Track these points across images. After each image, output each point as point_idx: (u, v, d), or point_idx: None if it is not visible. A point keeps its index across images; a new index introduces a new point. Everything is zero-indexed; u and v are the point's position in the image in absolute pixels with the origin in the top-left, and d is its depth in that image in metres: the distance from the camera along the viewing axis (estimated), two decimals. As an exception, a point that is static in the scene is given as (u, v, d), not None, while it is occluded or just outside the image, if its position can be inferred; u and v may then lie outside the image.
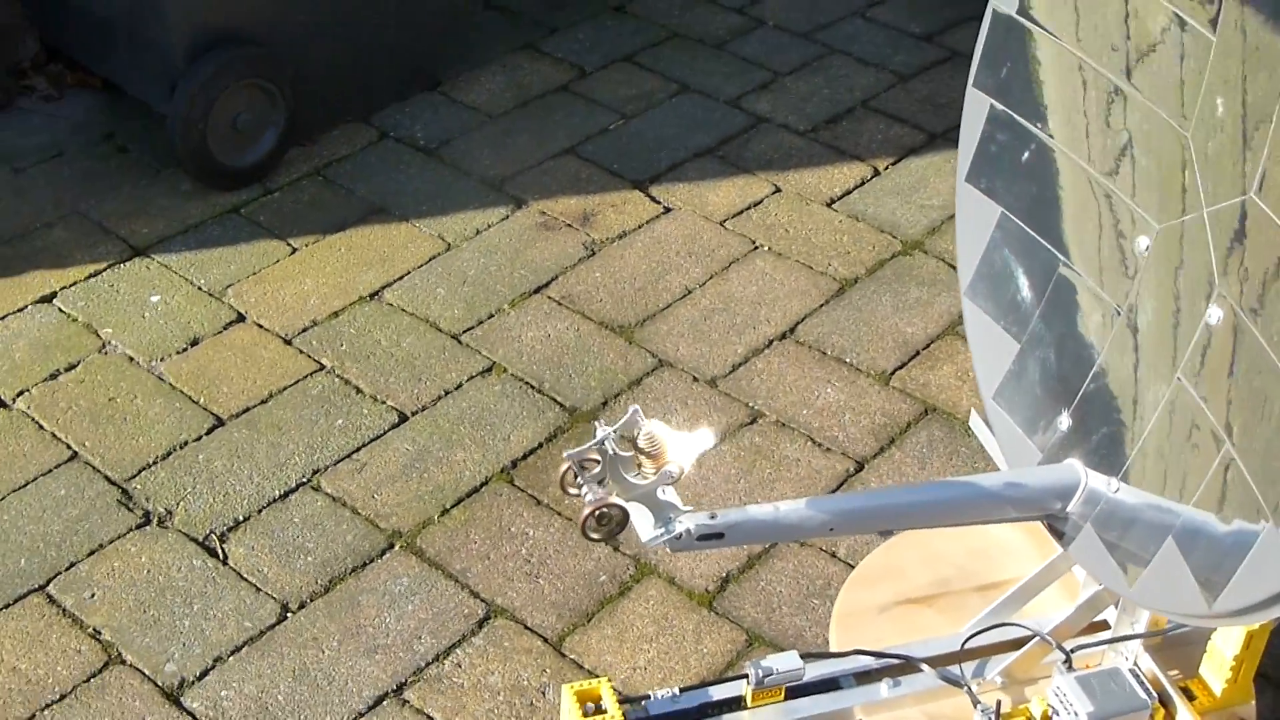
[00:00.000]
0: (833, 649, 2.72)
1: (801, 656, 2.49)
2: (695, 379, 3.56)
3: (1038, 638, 2.53)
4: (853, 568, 3.00)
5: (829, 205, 4.19)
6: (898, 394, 3.54)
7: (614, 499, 2.19)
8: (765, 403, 3.50)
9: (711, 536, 2.32)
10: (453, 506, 3.20)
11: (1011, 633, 2.58)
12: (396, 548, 3.11)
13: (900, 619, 2.83)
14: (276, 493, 3.23)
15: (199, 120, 3.94)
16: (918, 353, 3.67)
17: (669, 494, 2.29)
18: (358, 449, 3.34)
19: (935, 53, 4.96)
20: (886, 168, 4.36)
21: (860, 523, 2.45)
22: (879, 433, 3.43)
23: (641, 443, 2.21)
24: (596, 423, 2.19)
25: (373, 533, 3.13)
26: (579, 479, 2.23)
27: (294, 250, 3.95)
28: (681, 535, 2.25)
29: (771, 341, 3.69)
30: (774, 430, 3.42)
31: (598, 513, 2.19)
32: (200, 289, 3.80)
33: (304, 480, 3.26)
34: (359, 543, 3.11)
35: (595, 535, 2.23)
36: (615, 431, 2.21)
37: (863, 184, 4.29)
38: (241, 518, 3.16)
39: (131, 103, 4.36)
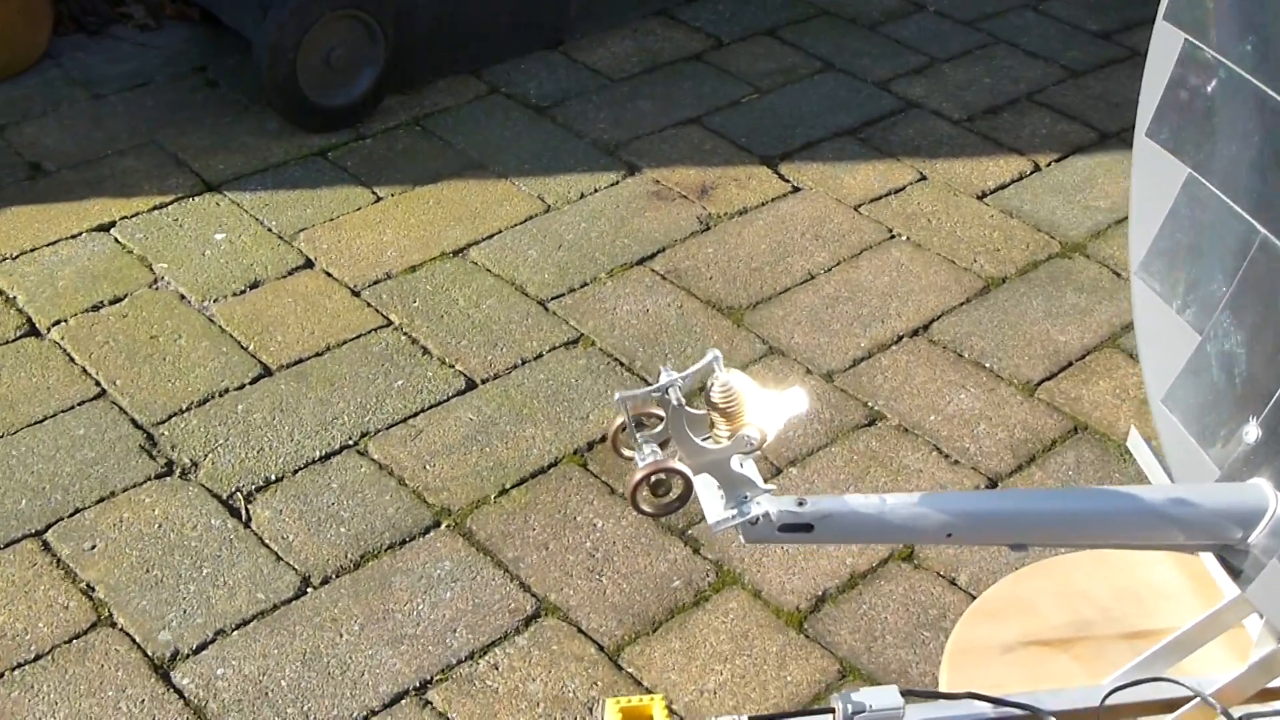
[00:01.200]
0: (942, 689, 2.24)
1: (902, 694, 2.00)
2: (809, 370, 3.10)
3: (1198, 699, 2.02)
4: (974, 598, 2.52)
5: (980, 198, 3.70)
6: (1043, 407, 3.04)
7: (675, 463, 1.74)
8: (887, 404, 3.02)
9: (797, 528, 1.86)
10: (514, 487, 2.78)
11: (1165, 690, 2.07)
12: (443, 526, 2.69)
13: (1027, 662, 2.33)
14: (317, 453, 2.83)
15: (289, 51, 3.59)
16: (1070, 364, 3.17)
17: (747, 467, 1.84)
18: (415, 414, 2.94)
19: (1114, 51, 4.45)
20: (1049, 164, 3.87)
21: (988, 529, 1.96)
22: (1018, 448, 2.93)
23: (716, 397, 1.76)
24: (663, 367, 1.75)
25: (418, 507, 2.72)
26: (635, 436, 1.79)
27: (378, 199, 3.57)
28: (758, 520, 1.80)
29: (901, 337, 3.22)
30: (895, 435, 2.95)
31: (653, 478, 1.74)
32: (270, 230, 3.44)
33: (350, 443, 2.86)
34: (401, 517, 2.69)
35: (647, 508, 1.78)
36: (684, 379, 1.76)
37: (1020, 179, 3.80)
38: (274, 477, 2.77)
39: (229, 38, 4.03)
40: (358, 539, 2.65)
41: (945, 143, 3.93)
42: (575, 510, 2.73)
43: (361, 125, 3.82)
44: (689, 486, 1.76)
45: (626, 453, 1.86)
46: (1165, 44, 2.21)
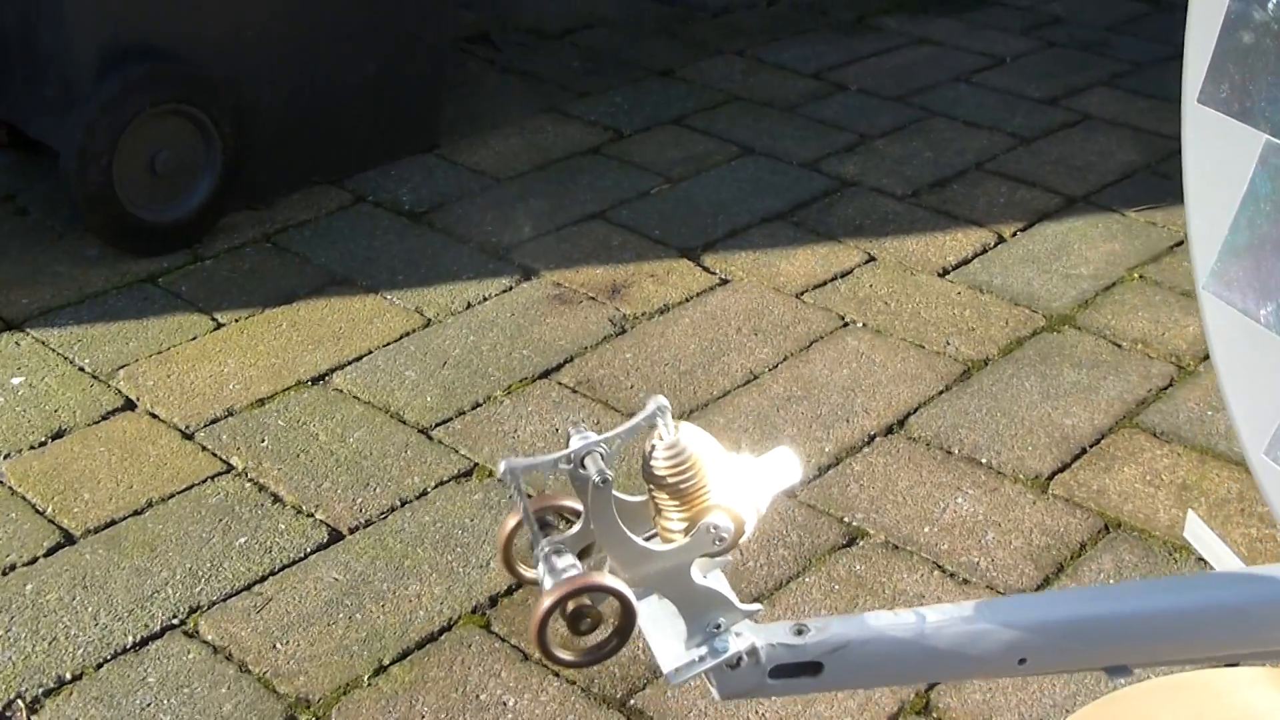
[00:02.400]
0: None
1: None
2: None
3: None
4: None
5: (941, 275, 3.12)
6: (1061, 504, 2.41)
7: (604, 578, 1.09)
8: (868, 517, 2.39)
9: (799, 670, 1.21)
10: (394, 662, 2.09)
11: None
12: (300, 722, 1.99)
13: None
14: (130, 639, 2.13)
15: (102, 155, 2.96)
16: (1084, 451, 2.56)
17: (716, 579, 1.19)
18: (262, 578, 2.25)
19: (1064, 115, 3.95)
20: (1014, 234, 3.30)
21: (1081, 644, 1.31)
22: (1039, 556, 2.30)
23: (662, 467, 1.12)
24: (573, 427, 1.10)
25: (266, 699, 2.02)
26: (540, 541, 1.14)
27: (218, 326, 2.91)
28: (740, 662, 1.16)
29: (873, 437, 2.59)
30: (883, 554, 2.30)
31: (570, 604, 1.09)
32: (82, 369, 2.76)
33: (175, 621, 2.17)
34: (243, 714, 1.99)
35: (565, 654, 1.12)
36: (609, 441, 1.12)
37: (984, 251, 3.23)
38: (69, 675, 2.06)
39: (44, 163, 3.40)
40: (182, 750, 1.94)
41: (891, 220, 3.36)
42: (477, 686, 2.05)
43: (199, 245, 3.18)
44: (628, 615, 1.11)
45: (527, 571, 1.20)
46: (1215, -24, 1.64)
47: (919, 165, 3.64)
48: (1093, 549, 2.33)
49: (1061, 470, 2.51)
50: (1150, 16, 4.72)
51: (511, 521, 1.17)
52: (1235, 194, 1.67)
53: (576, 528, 1.15)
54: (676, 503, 1.12)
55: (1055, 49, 4.46)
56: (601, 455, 1.09)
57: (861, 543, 2.34)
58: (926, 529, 2.37)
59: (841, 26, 4.59)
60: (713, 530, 1.12)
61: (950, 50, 4.42)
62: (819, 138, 3.79)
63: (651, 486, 1.13)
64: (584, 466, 1.09)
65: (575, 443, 1.09)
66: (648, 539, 1.15)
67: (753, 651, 1.18)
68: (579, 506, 1.14)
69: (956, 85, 4.15)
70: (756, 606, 1.18)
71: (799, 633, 1.22)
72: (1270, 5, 1.61)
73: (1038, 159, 3.69)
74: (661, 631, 1.19)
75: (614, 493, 1.13)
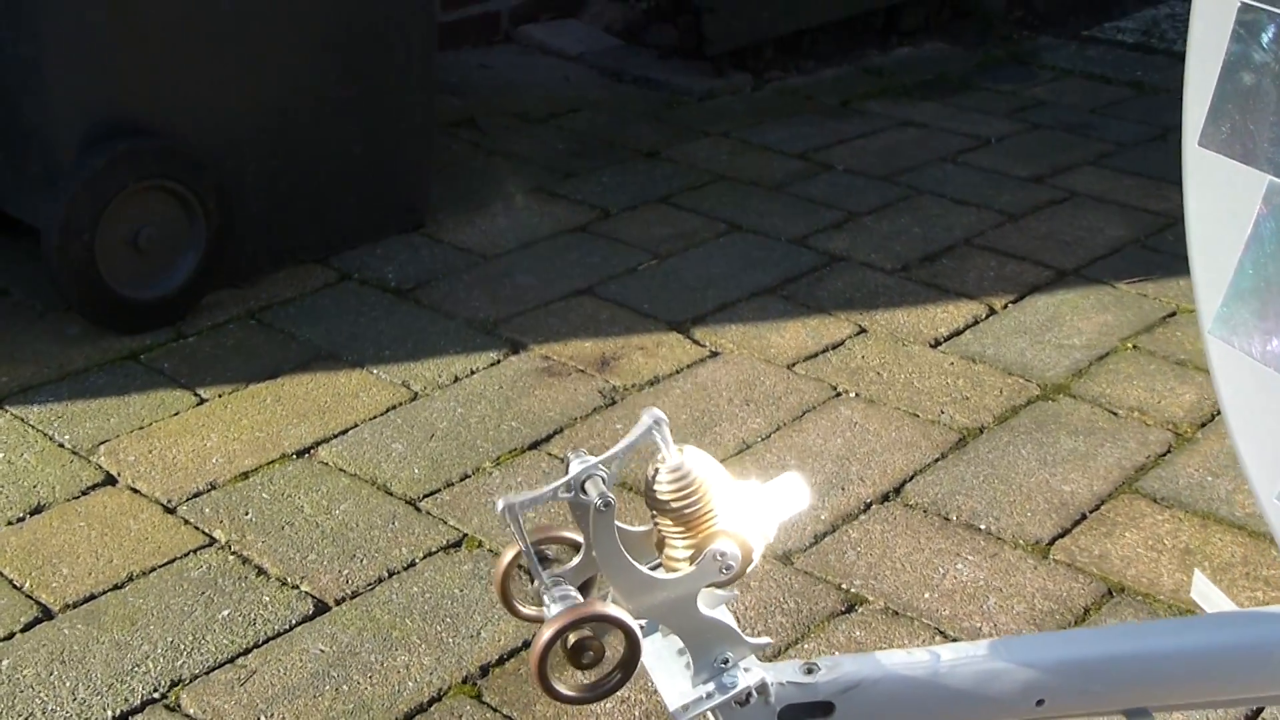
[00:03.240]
0: None
1: None
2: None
3: None
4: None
5: (934, 346, 3.10)
6: (1064, 570, 2.37)
7: (608, 607, 1.04)
8: (867, 584, 2.33)
9: (810, 710, 1.16)
10: (382, 733, 2.02)
11: None
12: (285, 797, 1.92)
13: None
14: (109, 714, 2.06)
15: (84, 231, 2.93)
16: (1084, 517, 2.52)
17: (722, 612, 1.14)
18: (246, 650, 2.18)
19: (1050, 193, 3.95)
20: (1005, 306, 3.28)
21: (1101, 685, 1.26)
22: (1043, 621, 2.25)
23: (665, 491, 1.08)
24: (572, 451, 1.06)
25: (249, 773, 1.95)
26: (540, 574, 1.10)
27: (201, 401, 2.86)
28: (749, 699, 1.10)
29: (869, 504, 2.54)
30: (883, 621, 2.25)
31: (571, 637, 1.04)
32: (62, 445, 2.71)
33: (155, 695, 2.10)
34: (225, 789, 1.92)
35: (565, 689, 1.07)
36: (608, 464, 1.08)
37: (976, 323, 3.20)
38: (45, 751, 1.99)
39: (26, 244, 3.36)
40: (161, 825, 1.87)
41: (882, 293, 3.34)
42: (468, 756, 1.98)
43: (182, 322, 3.14)
44: (632, 647, 1.06)
45: (527, 609, 1.15)
46: (1211, 15, 1.64)
47: (908, 240, 3.63)
48: (1097, 613, 2.28)
49: (1062, 536, 2.47)
50: (1133, 100, 4.75)
51: (509, 555, 1.12)
52: (1239, 237, 1.65)
53: (577, 560, 1.11)
54: (681, 529, 1.08)
55: (1040, 130, 4.48)
56: (603, 479, 1.05)
57: (861, 609, 2.28)
58: (927, 595, 2.31)
59: (826, 111, 4.61)
60: (719, 558, 1.07)
61: (935, 132, 4.43)
62: (807, 215, 3.78)
63: (655, 513, 1.08)
64: (585, 492, 1.05)
65: (575, 467, 1.05)
66: (652, 568, 1.10)
67: (763, 688, 1.13)
68: (579, 538, 1.09)
69: (943, 165, 4.16)
70: (765, 639, 1.13)
71: (809, 671, 1.17)
72: (1265, 42, 1.60)
73: (1026, 234, 3.68)
74: (667, 668, 1.14)
75: (617, 523, 1.08)
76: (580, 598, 1.06)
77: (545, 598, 1.05)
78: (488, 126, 4.35)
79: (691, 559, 1.07)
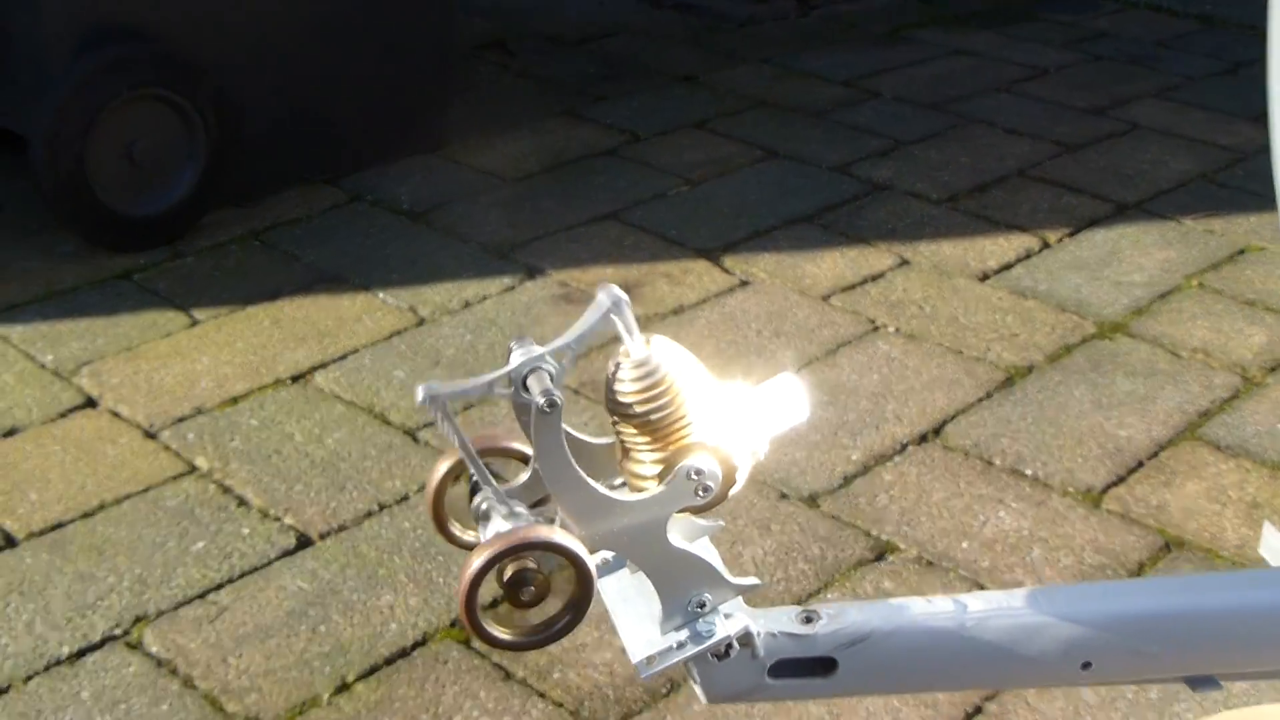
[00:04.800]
0: None
1: None
2: (783, 494, 2.21)
3: None
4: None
5: (981, 280, 2.88)
6: (1116, 520, 2.15)
7: (552, 533, 0.84)
8: (899, 530, 2.13)
9: (805, 666, 0.96)
10: (359, 679, 1.84)
11: None
12: (248, 746, 1.74)
13: None
14: (65, 650, 1.89)
15: (74, 141, 2.75)
16: (1140, 464, 2.30)
17: (701, 544, 0.94)
18: (218, 586, 2.01)
19: (1111, 125, 3.71)
20: (1060, 239, 3.06)
21: (1157, 646, 1.05)
22: (1092, 576, 2.04)
23: (628, 390, 0.87)
24: (515, 341, 0.85)
25: (211, 718, 1.77)
26: (487, 488, 0.90)
27: (194, 323, 2.69)
28: (730, 650, 0.89)
29: (905, 445, 2.34)
30: (916, 571, 2.04)
31: (509, 567, 0.84)
32: (43, 366, 2.54)
33: (116, 631, 1.92)
34: (183, 736, 1.75)
35: (501, 631, 0.87)
36: (558, 356, 0.88)
37: (1028, 257, 2.98)
38: (-8, 689, 1.82)
39: (21, 162, 3.18)
40: (110, 774, 1.70)
41: (927, 223, 3.12)
42: (451, 707, 1.80)
43: (180, 241, 2.97)
44: (584, 582, 0.86)
45: (464, 532, 0.96)
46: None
47: (956, 171, 3.40)
48: (1153, 568, 2.07)
49: (1116, 484, 2.25)
50: (1201, 33, 4.48)
51: (444, 466, 0.93)
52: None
53: (525, 476, 0.91)
54: (648, 440, 0.88)
55: (1101, 62, 4.23)
56: (550, 374, 0.85)
57: (891, 558, 2.08)
58: (964, 544, 2.11)
59: (874, 39, 4.37)
60: (694, 476, 0.87)
61: (989, 61, 4.19)
62: (849, 142, 3.55)
63: (616, 419, 0.89)
64: (526, 389, 0.85)
65: (516, 358, 0.85)
66: (615, 488, 0.90)
67: (746, 638, 0.93)
68: (527, 449, 0.90)
69: (996, 94, 3.92)
70: (752, 579, 0.93)
71: (807, 620, 0.97)
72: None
73: (1084, 166, 3.44)
74: (632, 611, 0.94)
75: (572, 431, 0.89)
76: (529, 518, 0.87)
77: (482, 520, 0.86)
78: (517, 49, 4.14)
79: (661, 476, 0.87)
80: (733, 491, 0.88)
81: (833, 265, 2.93)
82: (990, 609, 1.02)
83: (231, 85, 2.96)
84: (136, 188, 2.88)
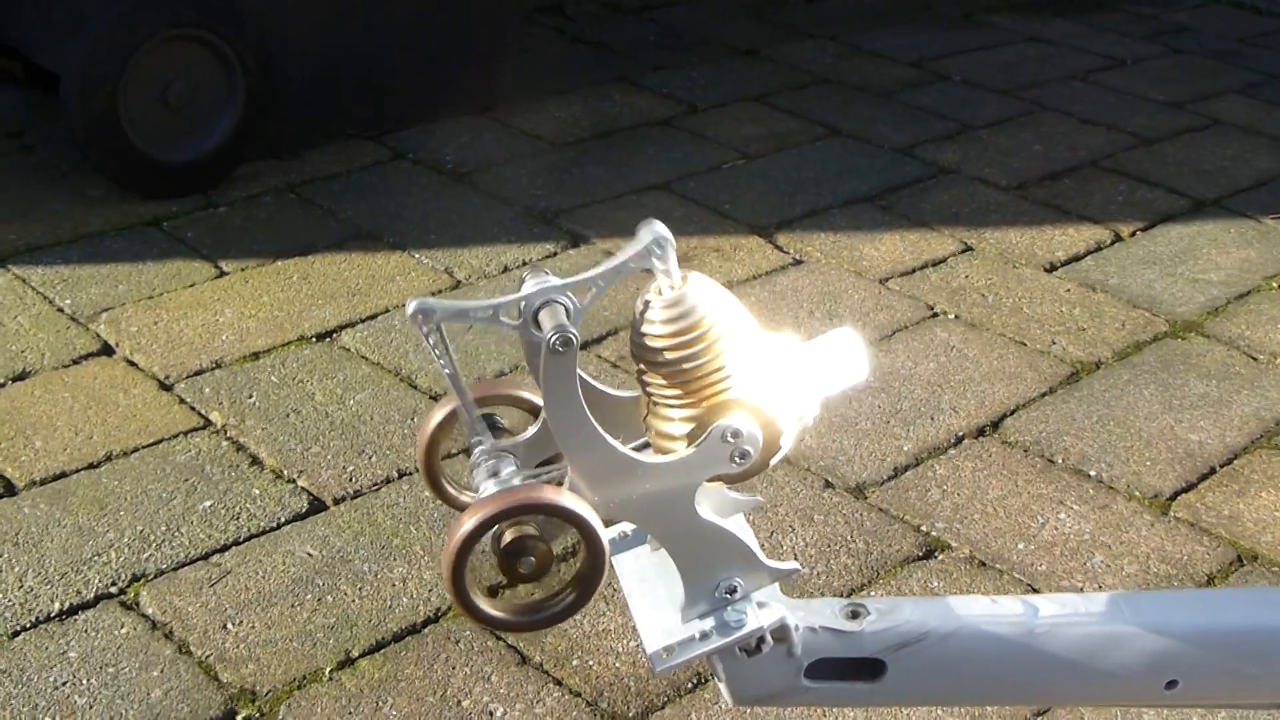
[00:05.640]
0: None
1: None
2: (828, 483, 2.07)
3: None
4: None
5: (1048, 271, 2.72)
6: (1185, 529, 2.00)
7: (559, 496, 0.70)
8: (950, 527, 1.99)
9: (850, 668, 0.82)
10: (364, 654, 1.72)
11: None
12: None
13: None
14: (56, 606, 1.78)
15: (107, 80, 2.64)
16: (1213, 470, 2.15)
17: (734, 523, 0.80)
18: (222, 548, 1.89)
19: (1190, 119, 3.54)
20: (1133, 233, 2.90)
21: (1256, 669, 0.90)
22: (1159, 586, 1.89)
23: (657, 332, 0.74)
24: (528, 269, 0.72)
25: (203, 688, 1.66)
26: (485, 439, 0.77)
27: (221, 274, 2.58)
28: (762, 644, 0.75)
29: (961, 438, 2.19)
30: (966, 571, 1.90)
31: (506, 534, 0.71)
32: (61, 310, 2.43)
33: (112, 589, 1.81)
34: (173, 705, 1.63)
35: (492, 609, 0.74)
36: (579, 291, 0.75)
37: (1098, 249, 2.82)
38: (-25, 644, 1.71)
39: (57, 104, 3.09)
40: (91, 742, 1.58)
41: (993, 210, 2.97)
42: (460, 690, 1.67)
43: (214, 191, 2.85)
44: (594, 554, 0.73)
45: (460, 492, 0.83)
46: None
47: (1026, 157, 3.25)
48: (1222, 581, 1.92)
49: (1185, 490, 2.10)
50: (1287, 30, 4.30)
51: (440, 412, 0.80)
52: None
53: (534, 429, 0.78)
54: (678, 393, 0.74)
55: (1181, 55, 4.05)
56: (566, 310, 0.72)
57: (941, 556, 1.94)
58: (1021, 545, 1.96)
59: (947, 21, 4.22)
60: (730, 438, 0.74)
61: (1065, 49, 4.02)
62: (915, 123, 3.41)
63: (643, 368, 0.75)
64: (538, 324, 0.72)
65: (529, 287, 0.72)
66: (638, 448, 0.77)
67: (783, 632, 0.79)
68: (538, 399, 0.77)
69: (1070, 83, 3.76)
70: (792, 564, 0.80)
71: (854, 615, 0.84)
72: None
73: (1160, 160, 3.28)
74: (650, 594, 0.81)
75: (589, 379, 0.76)
76: (519, 475, 0.74)
77: (476, 474, 0.73)
78: (575, 13, 4.01)
79: (691, 437, 0.74)
80: (775, 460, 0.75)
81: (891, 248, 2.78)
82: (1064, 614, 0.88)
83: (274, 31, 2.84)
84: (171, 133, 2.77)
